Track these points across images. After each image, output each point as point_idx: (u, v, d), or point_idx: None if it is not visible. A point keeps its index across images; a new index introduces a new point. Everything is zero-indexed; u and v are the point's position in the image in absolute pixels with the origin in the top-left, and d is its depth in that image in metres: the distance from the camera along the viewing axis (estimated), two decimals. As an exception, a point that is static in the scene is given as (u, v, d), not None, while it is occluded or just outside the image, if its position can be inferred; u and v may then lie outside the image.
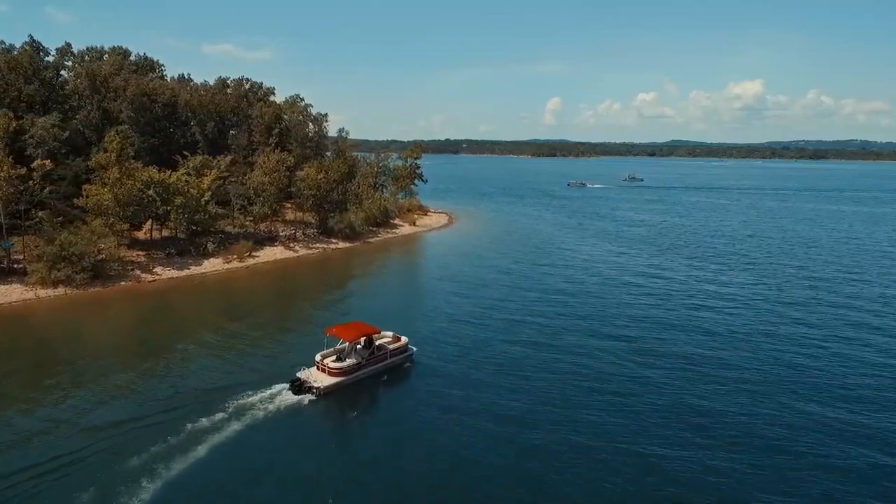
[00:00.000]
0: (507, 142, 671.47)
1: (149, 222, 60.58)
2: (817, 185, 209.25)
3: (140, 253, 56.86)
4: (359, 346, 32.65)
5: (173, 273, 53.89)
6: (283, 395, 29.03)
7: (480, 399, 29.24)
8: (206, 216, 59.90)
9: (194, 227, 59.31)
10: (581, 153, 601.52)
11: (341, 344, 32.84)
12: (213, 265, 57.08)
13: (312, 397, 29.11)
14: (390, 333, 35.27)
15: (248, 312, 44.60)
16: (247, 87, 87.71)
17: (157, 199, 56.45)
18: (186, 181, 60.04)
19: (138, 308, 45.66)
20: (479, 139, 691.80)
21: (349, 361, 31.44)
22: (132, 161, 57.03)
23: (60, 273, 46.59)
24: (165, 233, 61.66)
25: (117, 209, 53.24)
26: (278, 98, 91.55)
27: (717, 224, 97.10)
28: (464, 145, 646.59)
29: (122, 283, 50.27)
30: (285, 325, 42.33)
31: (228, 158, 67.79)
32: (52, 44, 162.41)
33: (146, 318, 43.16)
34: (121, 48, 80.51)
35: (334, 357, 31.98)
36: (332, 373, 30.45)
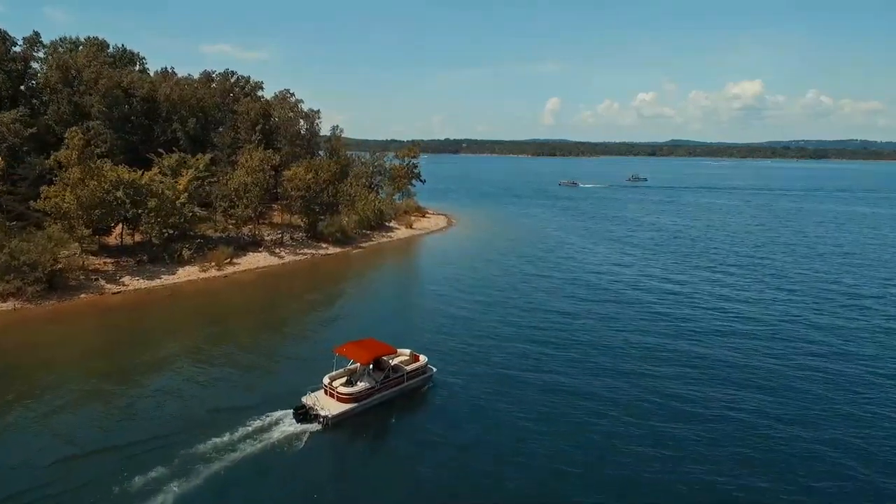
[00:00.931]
0: (507, 141, 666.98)
1: (119, 226, 55.19)
2: (826, 185, 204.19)
3: (108, 260, 51.51)
4: (371, 368, 28.21)
5: (143, 283, 48.56)
6: (281, 427, 24.52)
7: (505, 434, 25.14)
8: (182, 219, 54.47)
9: (169, 232, 53.83)
10: (581, 153, 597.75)
11: (352, 364, 28.44)
12: (187, 273, 51.73)
13: (318, 427, 24.66)
14: (407, 351, 30.76)
15: (229, 329, 39.68)
16: (232, 80, 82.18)
17: (127, 200, 51.06)
18: (161, 181, 54.68)
19: (100, 324, 40.45)
20: (478, 139, 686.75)
21: (361, 385, 26.96)
22: (99, 159, 51.64)
23: (10, 285, 41.34)
24: (139, 238, 56.25)
25: (79, 212, 47.78)
26: (269, 94, 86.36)
27: (734, 227, 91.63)
28: (463, 145, 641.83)
29: (83, 295, 44.91)
30: (270, 343, 37.21)
31: (208, 157, 62.36)
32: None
33: (110, 337, 37.93)
34: (97, 39, 74.96)
35: (344, 380, 27.52)
36: (341, 398, 25.99)
